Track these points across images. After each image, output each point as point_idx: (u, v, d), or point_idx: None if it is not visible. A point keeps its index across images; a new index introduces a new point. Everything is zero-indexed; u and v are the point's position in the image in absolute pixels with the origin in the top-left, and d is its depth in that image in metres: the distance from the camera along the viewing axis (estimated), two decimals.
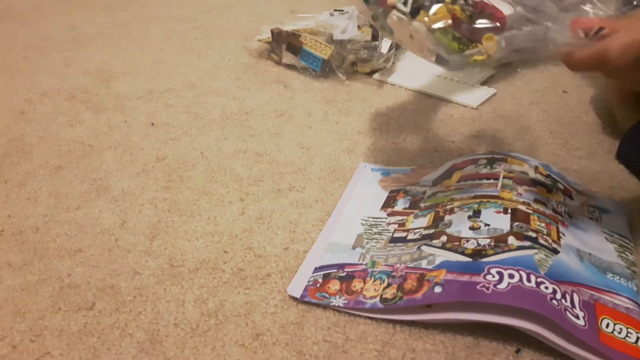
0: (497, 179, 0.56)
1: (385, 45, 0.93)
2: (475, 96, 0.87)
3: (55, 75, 0.96)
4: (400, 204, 0.60)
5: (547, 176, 0.59)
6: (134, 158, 0.72)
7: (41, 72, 0.97)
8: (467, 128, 0.79)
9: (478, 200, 0.54)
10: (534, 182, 0.57)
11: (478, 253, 0.47)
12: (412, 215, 0.56)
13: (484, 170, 0.58)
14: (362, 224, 0.57)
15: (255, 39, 1.01)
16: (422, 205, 0.58)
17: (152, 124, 0.81)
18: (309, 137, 0.78)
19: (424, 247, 0.50)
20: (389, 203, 0.61)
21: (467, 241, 0.49)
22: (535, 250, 0.47)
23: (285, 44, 0.94)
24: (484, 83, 0.91)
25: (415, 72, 0.94)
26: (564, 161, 0.71)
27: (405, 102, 0.88)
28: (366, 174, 0.68)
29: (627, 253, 0.52)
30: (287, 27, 0.96)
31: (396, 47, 0.96)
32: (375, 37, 0.94)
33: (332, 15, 0.98)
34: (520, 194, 0.54)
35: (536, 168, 0.60)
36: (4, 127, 0.80)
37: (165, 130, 0.79)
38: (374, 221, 0.57)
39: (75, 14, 1.26)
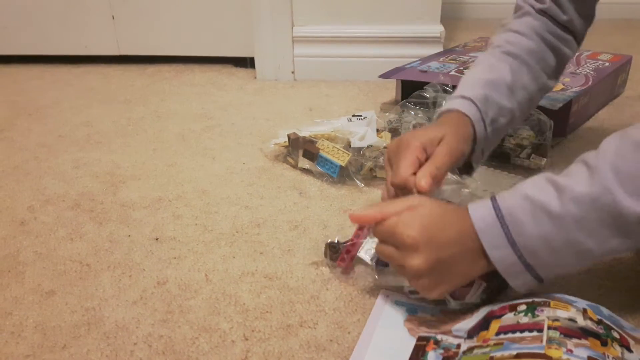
0: (541, 330, 0.49)
1: None
2: None
3: (63, 179, 0.92)
4: (431, 359, 0.52)
5: (599, 322, 0.51)
6: (133, 281, 0.67)
7: (49, 175, 0.94)
8: None
9: None
10: (584, 332, 0.49)
11: None
12: None
13: (525, 319, 0.51)
14: None
15: (272, 142, 0.97)
16: None
17: (157, 238, 0.75)
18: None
19: None
20: (417, 356, 0.53)
21: None
22: None
23: (301, 150, 0.90)
24: None
25: None
26: (611, 294, 0.63)
27: None
28: (389, 308, 0.60)
29: None
30: (304, 132, 0.92)
31: None
32: None
33: (350, 120, 0.94)
34: (571, 351, 0.46)
35: (584, 312, 0.52)
36: (1, 241, 0.76)
37: (169, 246, 0.74)
38: None
39: (93, 109, 1.25)
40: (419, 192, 0.58)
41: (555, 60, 0.74)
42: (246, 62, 1.53)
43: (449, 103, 0.68)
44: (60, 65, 1.58)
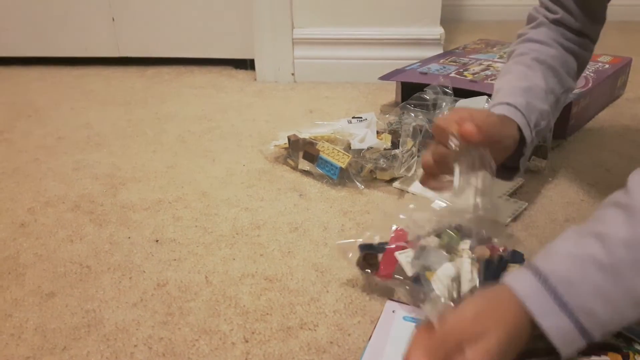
0: None
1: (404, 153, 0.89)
2: (504, 210, 0.80)
3: (63, 180, 0.92)
4: None
5: (618, 335, 0.50)
6: (133, 283, 0.67)
7: (49, 177, 0.94)
8: None
9: None
10: (603, 347, 0.48)
11: None
12: None
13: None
14: None
15: (272, 144, 0.97)
16: None
17: (157, 240, 0.75)
18: (324, 256, 0.72)
19: None
20: None
21: None
22: None
23: (301, 152, 0.90)
24: (513, 194, 0.85)
25: None
26: None
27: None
28: (398, 325, 0.58)
29: None
30: (304, 134, 0.92)
31: (417, 154, 0.91)
32: (395, 145, 0.89)
33: (350, 122, 0.94)
34: None
35: None
36: (1, 243, 0.76)
37: (169, 248, 0.74)
38: None
39: (92, 111, 1.25)
40: (463, 137, 0.56)
41: (576, 63, 0.77)
42: (246, 64, 1.54)
43: (493, 110, 0.68)
44: (60, 67, 1.58)
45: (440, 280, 0.56)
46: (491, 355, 0.44)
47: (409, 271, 0.59)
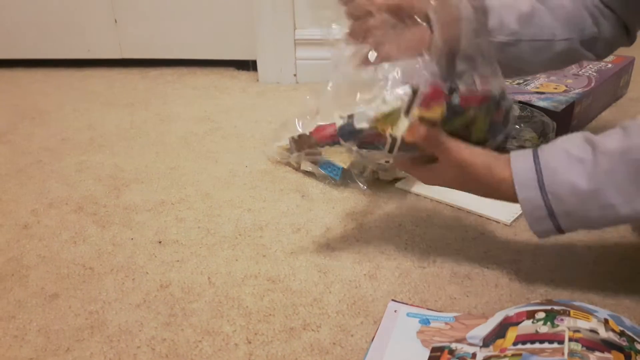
0: (561, 342, 0.48)
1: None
2: (507, 210, 0.80)
3: (66, 182, 0.93)
4: None
5: (621, 334, 0.50)
6: (136, 285, 0.67)
7: (52, 179, 0.94)
8: (501, 250, 0.72)
9: None
10: (607, 345, 0.48)
11: None
12: None
13: (544, 329, 0.49)
14: None
15: (274, 145, 0.97)
16: None
17: (160, 242, 0.75)
18: (327, 257, 0.72)
19: None
20: None
21: None
22: None
23: (304, 152, 0.90)
24: None
25: None
26: (614, 296, 0.63)
27: (431, 215, 0.81)
28: (401, 321, 0.59)
29: None
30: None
31: None
32: None
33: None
34: None
35: (606, 322, 0.50)
36: (4, 244, 0.76)
37: (172, 249, 0.74)
38: None
39: (95, 113, 1.26)
40: None
41: (596, 32, 0.74)
42: (248, 65, 1.54)
43: None
44: (63, 69, 1.58)
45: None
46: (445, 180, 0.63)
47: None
